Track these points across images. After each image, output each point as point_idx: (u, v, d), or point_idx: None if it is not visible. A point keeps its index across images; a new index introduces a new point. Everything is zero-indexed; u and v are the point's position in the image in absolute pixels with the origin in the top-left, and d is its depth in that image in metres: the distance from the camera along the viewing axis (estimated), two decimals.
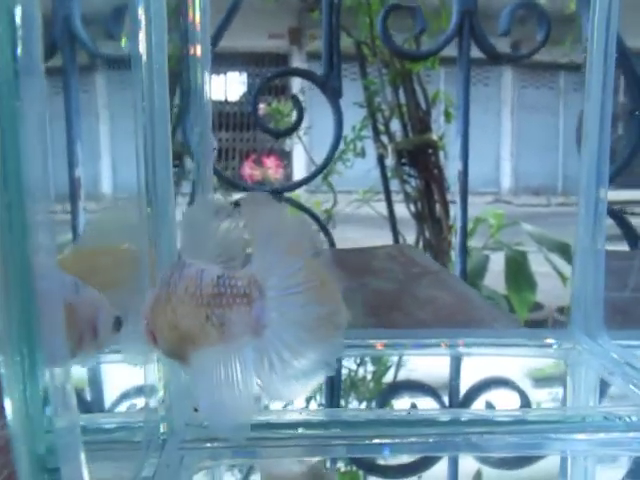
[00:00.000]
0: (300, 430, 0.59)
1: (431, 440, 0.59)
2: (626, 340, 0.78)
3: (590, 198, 0.77)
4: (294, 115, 1.11)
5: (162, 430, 0.58)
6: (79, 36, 0.96)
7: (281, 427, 0.60)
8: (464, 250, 1.10)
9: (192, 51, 0.68)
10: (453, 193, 2.82)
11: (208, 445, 0.58)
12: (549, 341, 0.83)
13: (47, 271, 0.29)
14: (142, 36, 0.57)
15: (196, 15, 0.68)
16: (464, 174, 0.99)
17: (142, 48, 0.57)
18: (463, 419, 0.62)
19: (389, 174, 2.77)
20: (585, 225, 0.78)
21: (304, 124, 3.32)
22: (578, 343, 0.80)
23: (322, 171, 1.04)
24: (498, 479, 0.58)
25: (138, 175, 0.58)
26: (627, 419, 0.61)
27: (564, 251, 2.66)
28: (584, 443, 0.61)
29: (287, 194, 1.15)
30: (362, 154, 2.92)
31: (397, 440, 0.59)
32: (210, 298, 0.45)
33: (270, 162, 3.38)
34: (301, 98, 1.19)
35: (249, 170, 3.35)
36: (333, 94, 0.95)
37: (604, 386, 0.73)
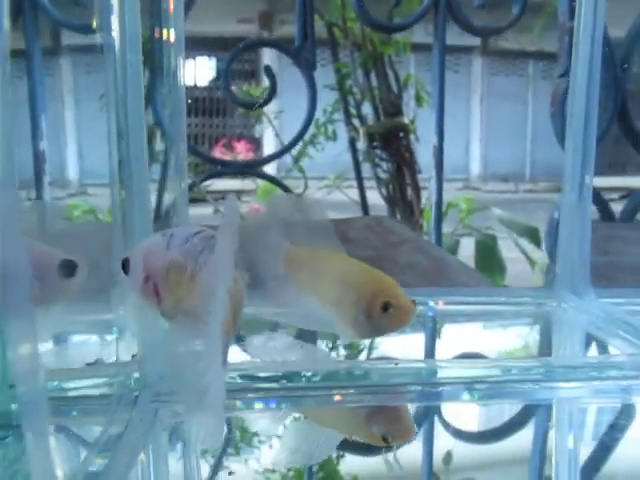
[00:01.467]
0: (282, 382, 0.59)
1: (418, 388, 0.60)
2: (613, 298, 0.79)
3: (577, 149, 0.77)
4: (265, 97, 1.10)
5: (135, 383, 0.56)
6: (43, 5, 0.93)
7: (259, 378, 0.59)
8: (439, 225, 1.10)
9: (165, 35, 0.67)
10: (425, 179, 2.83)
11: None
12: (534, 299, 0.84)
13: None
14: (115, 19, 0.56)
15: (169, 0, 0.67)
16: (439, 150, 0.98)
17: (115, 32, 0.56)
18: (450, 369, 0.62)
19: (360, 157, 2.77)
20: (571, 182, 0.78)
21: (275, 108, 3.31)
22: (564, 301, 0.81)
23: (297, 143, 1.03)
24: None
25: (110, 158, 0.58)
26: (615, 368, 0.62)
27: (533, 235, 2.69)
28: (571, 391, 0.62)
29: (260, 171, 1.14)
30: (333, 137, 2.91)
31: (387, 389, 0.59)
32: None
33: (240, 146, 3.36)
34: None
35: (219, 155, 3.32)
36: (307, 66, 0.94)
37: (590, 340, 0.75)
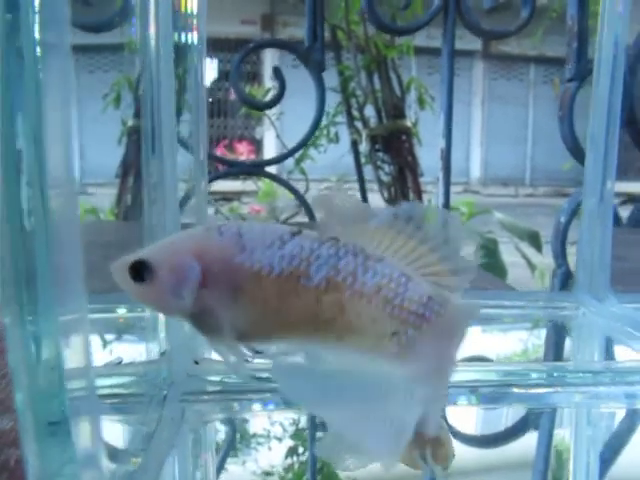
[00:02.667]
0: None
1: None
2: (635, 303, 0.79)
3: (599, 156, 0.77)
4: (268, 98, 1.11)
5: (164, 382, 0.57)
6: None
7: (260, 379, 0.59)
8: None
9: (189, 38, 0.67)
10: (427, 183, 2.83)
11: (209, 397, 0.57)
12: (553, 303, 0.84)
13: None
14: (152, 22, 0.57)
15: (193, 2, 0.68)
16: (447, 151, 0.98)
17: (152, 36, 0.57)
18: (470, 371, 0.62)
19: (362, 160, 2.78)
20: (592, 186, 0.78)
21: (276, 110, 3.31)
22: (584, 305, 0.80)
23: (307, 141, 1.03)
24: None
25: (145, 158, 0.58)
26: (633, 374, 0.62)
27: (534, 239, 2.69)
28: (588, 396, 0.62)
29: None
30: (336, 140, 2.92)
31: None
32: (411, 315, 0.39)
33: (242, 148, 3.36)
34: (273, 84, 1.15)
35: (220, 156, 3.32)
36: (316, 67, 0.94)
37: (611, 344, 0.75)
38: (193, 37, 0.68)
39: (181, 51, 0.67)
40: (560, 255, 1.04)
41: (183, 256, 0.39)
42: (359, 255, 0.40)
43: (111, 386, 0.56)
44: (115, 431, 0.52)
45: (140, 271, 0.39)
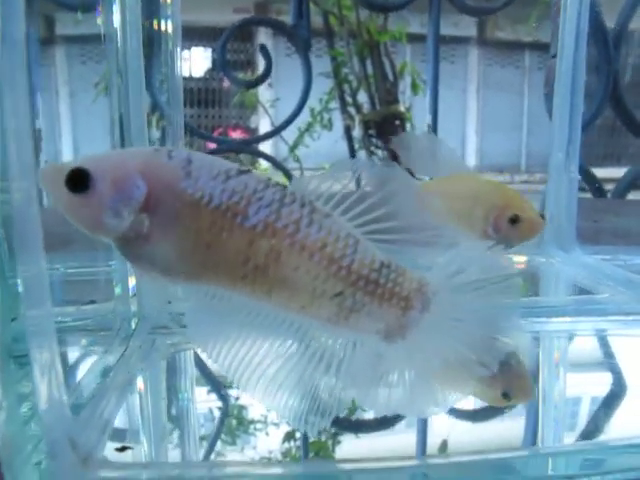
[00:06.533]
0: None
1: None
2: (598, 254, 0.83)
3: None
4: (260, 88, 1.11)
5: (134, 317, 0.59)
6: None
7: None
8: None
9: (163, 26, 0.68)
10: None
11: (179, 330, 0.59)
12: (523, 255, 0.87)
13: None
14: (116, 8, 0.58)
15: None
16: (433, 128, 0.99)
17: (116, 21, 0.58)
18: None
19: (356, 145, 2.77)
20: (559, 142, 0.80)
21: (271, 97, 3.31)
22: (552, 257, 0.84)
23: (294, 120, 1.04)
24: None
25: (112, 144, 0.59)
26: (597, 305, 0.69)
27: None
28: (556, 325, 0.68)
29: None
30: (329, 126, 2.91)
31: None
32: (361, 279, 0.38)
33: (236, 135, 3.36)
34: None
35: (215, 144, 3.32)
36: (302, 44, 0.95)
37: (576, 288, 0.79)
38: (167, 25, 0.69)
39: (155, 38, 0.67)
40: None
41: (129, 172, 0.36)
42: (306, 206, 0.38)
43: (81, 321, 0.58)
44: (83, 360, 0.54)
45: (78, 180, 0.35)
